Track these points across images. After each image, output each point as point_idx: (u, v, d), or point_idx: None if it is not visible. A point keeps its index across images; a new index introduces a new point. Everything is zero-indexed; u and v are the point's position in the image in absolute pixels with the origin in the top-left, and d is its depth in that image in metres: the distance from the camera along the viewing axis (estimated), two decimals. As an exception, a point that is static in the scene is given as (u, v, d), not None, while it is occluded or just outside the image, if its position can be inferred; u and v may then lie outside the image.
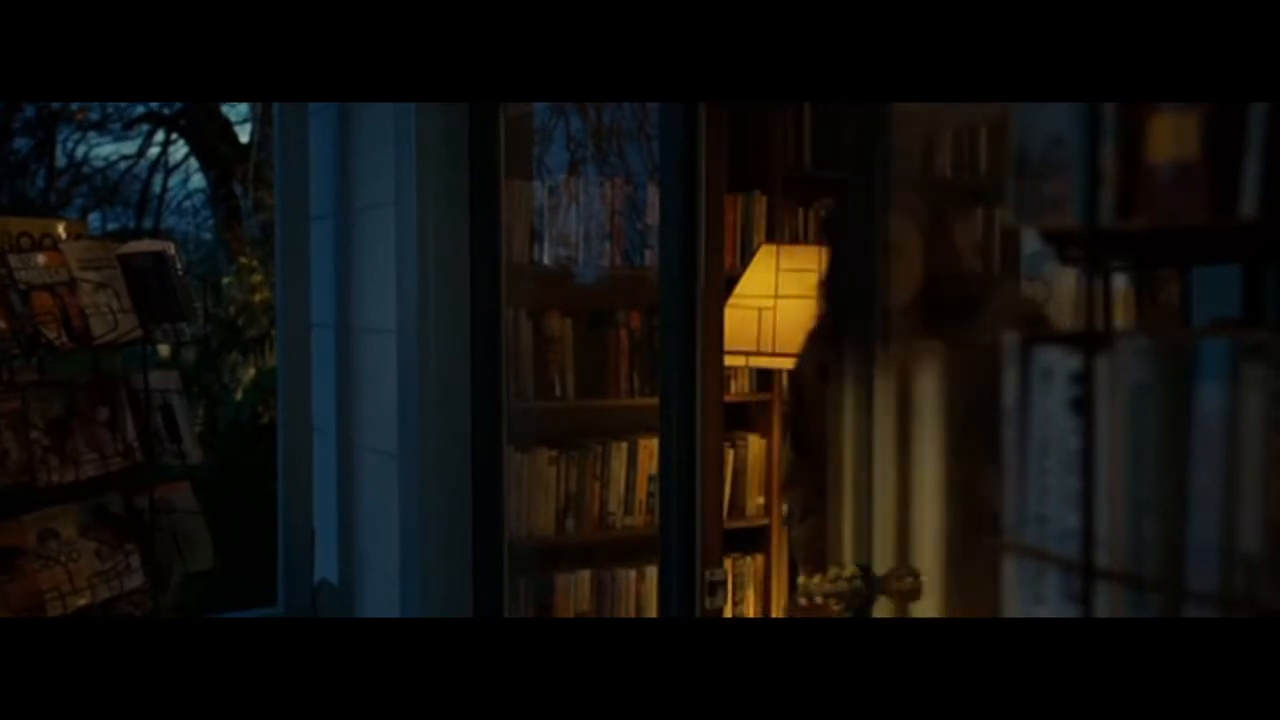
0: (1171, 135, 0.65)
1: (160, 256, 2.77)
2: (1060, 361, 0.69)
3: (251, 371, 5.60)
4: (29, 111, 8.45)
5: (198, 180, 8.91)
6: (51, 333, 2.50)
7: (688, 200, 2.31)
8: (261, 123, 7.10)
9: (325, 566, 3.59)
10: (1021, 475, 0.71)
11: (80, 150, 9.06)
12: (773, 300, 2.81)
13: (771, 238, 3.32)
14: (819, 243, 2.74)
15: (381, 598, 3.31)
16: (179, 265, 2.82)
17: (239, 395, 5.52)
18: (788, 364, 2.81)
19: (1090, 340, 0.68)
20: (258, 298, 5.94)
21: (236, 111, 8.52)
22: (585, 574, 3.28)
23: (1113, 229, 0.67)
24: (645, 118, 3.55)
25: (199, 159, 8.80)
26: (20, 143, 8.91)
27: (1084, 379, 0.67)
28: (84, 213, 8.67)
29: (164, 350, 4.21)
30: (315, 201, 3.62)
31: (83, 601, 2.46)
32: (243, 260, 6.44)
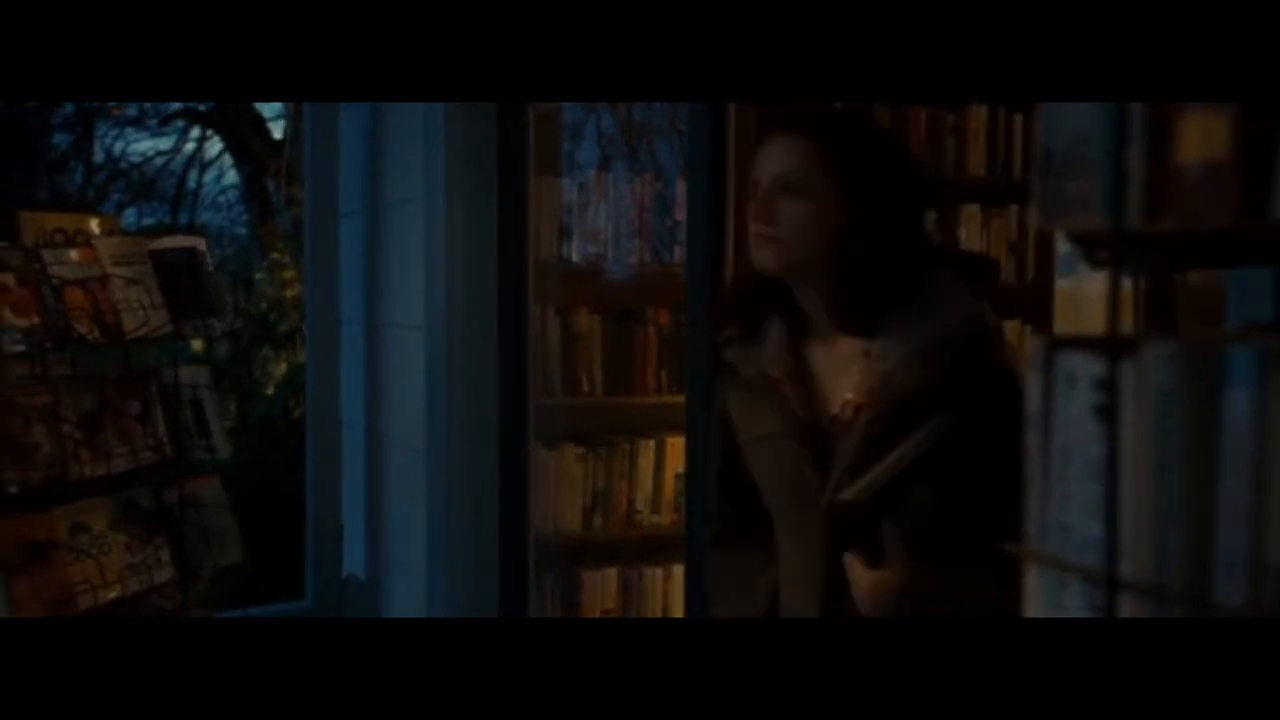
0: (1201, 134, 0.63)
1: (191, 252, 2.80)
2: (1084, 366, 0.67)
3: (283, 366, 5.64)
4: (68, 108, 8.55)
5: (231, 176, 8.99)
6: (84, 327, 2.53)
7: (716, 198, 2.30)
8: (294, 119, 7.14)
9: (353, 561, 3.60)
10: (1044, 482, 0.70)
11: (117, 146, 9.16)
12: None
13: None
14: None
15: (408, 593, 3.32)
16: (210, 261, 2.84)
17: (270, 390, 5.56)
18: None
19: (1115, 345, 0.66)
20: (289, 293, 5.97)
21: (270, 108, 8.58)
22: (612, 572, 3.27)
23: (1140, 230, 0.66)
24: (676, 114, 3.54)
25: (233, 155, 8.88)
26: (60, 139, 9.02)
27: (1108, 385, 0.66)
28: (120, 208, 8.77)
29: (196, 345, 4.25)
30: (345, 198, 3.64)
31: (113, 594, 2.48)
32: (274, 255, 6.48)
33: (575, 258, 3.35)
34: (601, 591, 3.26)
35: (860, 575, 1.43)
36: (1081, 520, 0.67)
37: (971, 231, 3.37)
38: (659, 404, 3.29)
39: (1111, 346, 0.66)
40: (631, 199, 3.42)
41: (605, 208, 3.40)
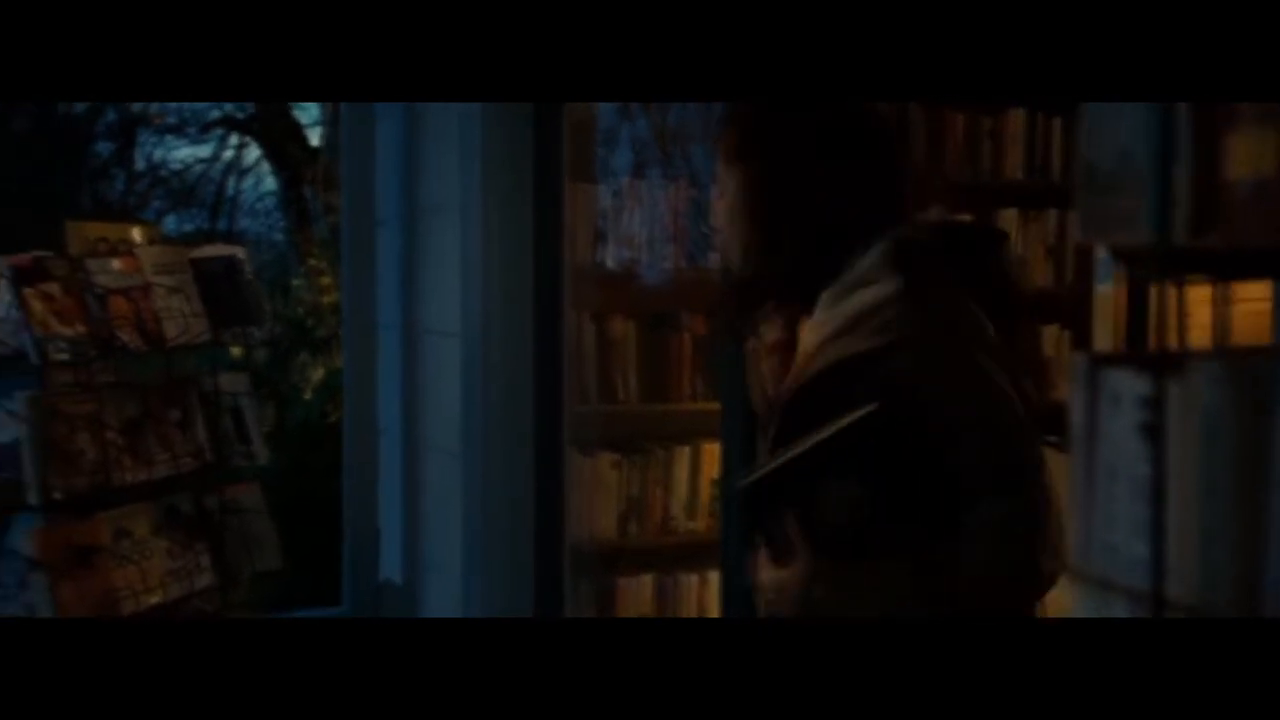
0: (1250, 151, 0.62)
1: (231, 261, 2.83)
2: (1129, 384, 0.67)
3: (320, 372, 5.68)
4: (110, 115, 8.68)
5: (269, 183, 9.09)
6: (126, 336, 2.56)
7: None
8: (331, 126, 7.21)
9: (389, 566, 3.63)
10: (1089, 501, 0.69)
11: (158, 154, 9.29)
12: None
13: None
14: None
15: (444, 598, 3.33)
16: (249, 270, 2.87)
17: (308, 395, 5.60)
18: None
19: (1161, 362, 0.66)
20: (326, 299, 6.02)
21: (307, 115, 8.67)
22: (647, 578, 3.27)
23: (1187, 246, 0.65)
24: (710, 119, 3.53)
25: (270, 162, 8.97)
26: (102, 146, 9.15)
27: (1154, 403, 0.65)
28: (160, 215, 8.89)
29: (235, 351, 4.30)
30: (381, 204, 3.67)
31: (155, 599, 2.51)
32: (312, 262, 6.54)
33: (610, 264, 3.36)
34: (637, 598, 3.26)
35: (763, 571, 1.37)
36: (1127, 540, 0.66)
37: (1010, 235, 3.35)
38: (694, 410, 3.29)
39: (1157, 364, 0.65)
40: (666, 204, 3.42)
41: (640, 213, 3.40)
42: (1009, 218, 3.36)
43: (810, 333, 1.39)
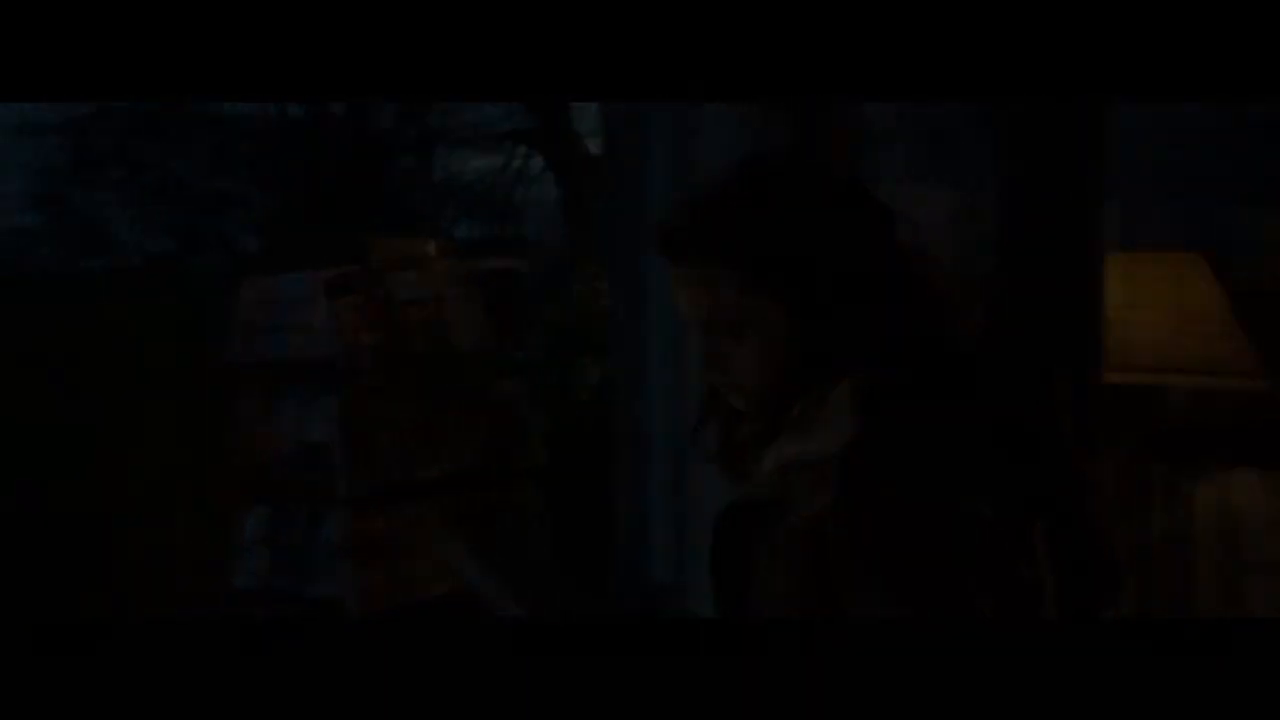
0: None
1: (513, 273, 3.00)
2: None
3: (594, 374, 5.86)
4: (410, 133, 9.35)
5: (551, 190, 9.50)
6: (420, 344, 2.77)
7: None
8: (609, 135, 7.43)
9: (659, 567, 3.70)
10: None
11: (452, 165, 9.93)
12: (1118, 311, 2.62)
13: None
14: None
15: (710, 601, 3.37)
16: (529, 280, 3.04)
17: (582, 397, 5.79)
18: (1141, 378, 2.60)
19: None
20: (602, 303, 6.19)
21: (585, 125, 9.00)
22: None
23: None
24: (982, 118, 3.39)
25: (553, 170, 9.38)
26: (404, 161, 9.89)
27: None
28: (453, 222, 9.48)
29: (515, 357, 4.55)
30: (652, 213, 3.74)
31: (442, 589, 2.71)
32: (588, 268, 6.75)
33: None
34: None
35: None
36: None
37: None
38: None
39: None
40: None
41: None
42: None
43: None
